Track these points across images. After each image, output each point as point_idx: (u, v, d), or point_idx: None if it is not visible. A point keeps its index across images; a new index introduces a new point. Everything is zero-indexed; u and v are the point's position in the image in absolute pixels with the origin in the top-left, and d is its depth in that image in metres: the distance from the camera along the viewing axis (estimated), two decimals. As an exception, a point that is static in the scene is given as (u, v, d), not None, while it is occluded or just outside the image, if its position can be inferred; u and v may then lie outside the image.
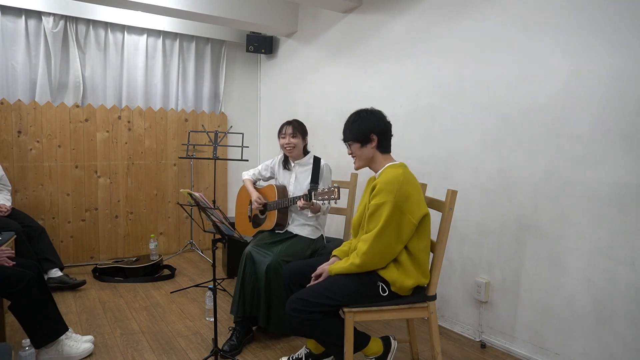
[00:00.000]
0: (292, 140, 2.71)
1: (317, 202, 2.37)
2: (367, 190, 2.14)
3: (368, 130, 1.98)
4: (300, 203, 2.48)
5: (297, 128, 2.74)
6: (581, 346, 2.21)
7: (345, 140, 2.07)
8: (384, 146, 2.03)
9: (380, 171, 2.02)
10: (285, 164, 2.85)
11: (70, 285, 3.39)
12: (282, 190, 2.77)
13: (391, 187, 1.87)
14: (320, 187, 2.65)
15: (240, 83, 4.94)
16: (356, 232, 2.13)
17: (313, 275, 2.07)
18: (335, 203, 2.42)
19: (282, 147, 2.76)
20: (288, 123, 2.76)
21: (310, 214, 2.66)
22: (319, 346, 2.26)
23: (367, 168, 2.11)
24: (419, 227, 1.93)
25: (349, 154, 2.07)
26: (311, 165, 2.73)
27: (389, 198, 1.86)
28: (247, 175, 2.99)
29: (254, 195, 2.81)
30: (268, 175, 2.97)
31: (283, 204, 2.67)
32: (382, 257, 1.91)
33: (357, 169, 2.09)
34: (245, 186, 2.95)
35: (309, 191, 2.44)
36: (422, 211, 1.92)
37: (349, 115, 2.10)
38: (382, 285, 1.94)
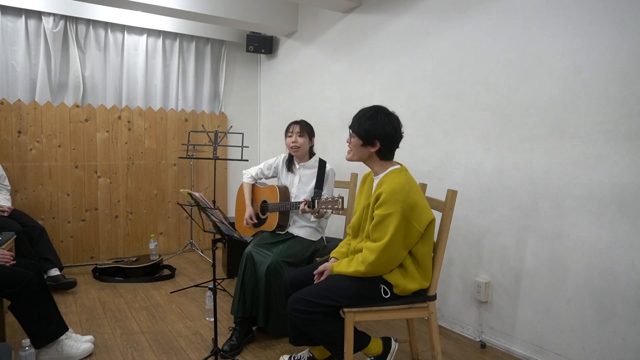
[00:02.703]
0: (299, 139, 2.70)
1: (320, 209, 2.34)
2: (363, 189, 2.12)
3: (375, 136, 1.93)
4: (302, 207, 2.45)
5: (305, 128, 2.72)
6: (581, 346, 2.21)
7: (350, 128, 2.02)
8: (385, 154, 1.99)
9: (382, 175, 1.99)
10: (290, 165, 2.82)
11: (61, 284, 3.32)
12: (284, 191, 2.76)
13: (397, 197, 1.84)
14: (325, 192, 2.64)
15: (240, 83, 4.94)
16: (355, 233, 2.12)
17: (315, 272, 2.07)
18: (339, 213, 2.40)
19: (288, 146, 2.74)
20: (296, 122, 2.74)
21: (313, 218, 2.66)
22: (322, 353, 2.25)
23: (366, 168, 2.10)
24: (424, 233, 1.92)
25: (347, 142, 2.03)
26: (316, 169, 2.71)
27: (395, 209, 1.83)
28: (247, 177, 2.94)
29: (248, 211, 2.81)
30: (271, 174, 2.94)
31: (285, 207, 2.65)
32: (388, 265, 1.90)
33: (347, 159, 2.04)
34: (243, 193, 2.93)
35: (313, 198, 2.42)
36: (428, 218, 1.91)
37: (349, 114, 2.08)
38: (384, 288, 1.94)
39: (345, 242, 2.19)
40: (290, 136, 2.72)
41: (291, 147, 2.72)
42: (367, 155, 2.00)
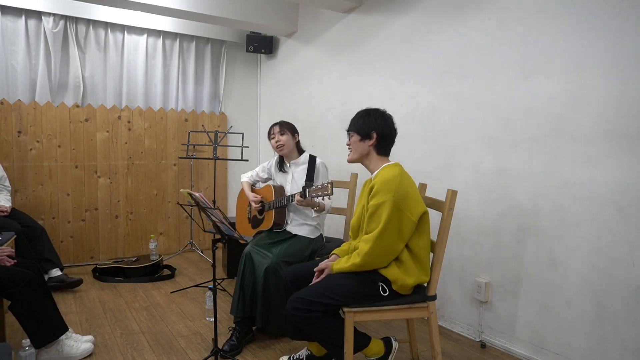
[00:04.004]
0: (281, 137, 2.72)
1: (312, 198, 2.38)
2: (364, 192, 2.15)
3: (370, 128, 2.01)
4: (297, 197, 2.48)
5: (284, 126, 2.76)
6: (581, 346, 2.21)
7: (348, 129, 2.10)
8: (382, 148, 2.05)
9: (376, 172, 2.04)
10: (281, 165, 2.85)
11: (67, 284, 3.36)
12: (279, 190, 2.77)
13: (389, 187, 1.88)
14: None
15: (240, 83, 4.94)
16: (355, 234, 2.13)
17: (316, 269, 2.08)
18: (329, 199, 2.43)
19: (274, 147, 2.78)
20: (274, 124, 2.79)
21: (314, 214, 2.66)
22: (320, 349, 2.26)
23: (365, 170, 2.11)
24: (418, 225, 1.94)
25: (347, 144, 2.10)
26: (307, 165, 2.73)
27: (387, 197, 1.87)
28: (245, 177, 3.00)
29: (250, 196, 2.84)
30: (265, 176, 2.97)
31: (279, 202, 2.68)
32: (383, 257, 1.92)
33: (349, 161, 2.11)
34: (243, 189, 2.97)
35: (303, 188, 2.45)
36: (421, 209, 1.94)
37: (349, 114, 2.12)
38: (382, 285, 1.94)
39: (347, 243, 2.20)
40: (273, 137, 2.75)
41: (277, 147, 2.75)
42: (366, 152, 2.05)
